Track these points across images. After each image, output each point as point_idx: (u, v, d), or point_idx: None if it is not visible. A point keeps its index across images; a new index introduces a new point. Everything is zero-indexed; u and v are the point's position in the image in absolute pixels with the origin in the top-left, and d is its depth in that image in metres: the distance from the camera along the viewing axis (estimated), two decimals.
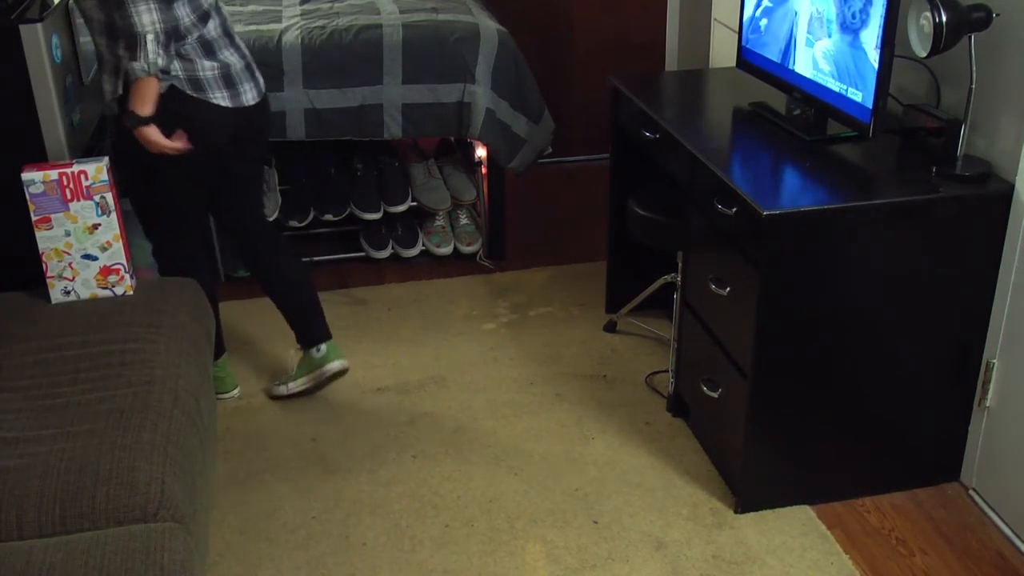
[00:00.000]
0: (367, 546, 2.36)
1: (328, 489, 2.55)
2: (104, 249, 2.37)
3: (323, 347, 2.86)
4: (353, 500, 2.51)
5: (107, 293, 2.41)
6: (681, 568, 2.29)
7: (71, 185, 2.30)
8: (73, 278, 2.38)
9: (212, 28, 2.48)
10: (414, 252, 3.76)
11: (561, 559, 2.32)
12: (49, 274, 2.36)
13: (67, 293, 2.38)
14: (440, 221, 3.83)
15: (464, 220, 3.87)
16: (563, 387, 2.97)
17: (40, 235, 2.32)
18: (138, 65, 2.27)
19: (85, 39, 2.78)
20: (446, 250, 3.76)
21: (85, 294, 2.40)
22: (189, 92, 2.44)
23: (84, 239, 2.35)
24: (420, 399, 2.92)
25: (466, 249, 3.77)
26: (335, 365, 2.86)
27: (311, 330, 2.88)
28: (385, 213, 3.70)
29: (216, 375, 2.85)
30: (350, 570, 2.29)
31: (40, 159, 2.41)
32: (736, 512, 2.46)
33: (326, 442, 2.74)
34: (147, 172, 2.52)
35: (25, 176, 2.27)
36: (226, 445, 2.73)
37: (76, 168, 2.30)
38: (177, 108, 2.42)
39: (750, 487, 2.44)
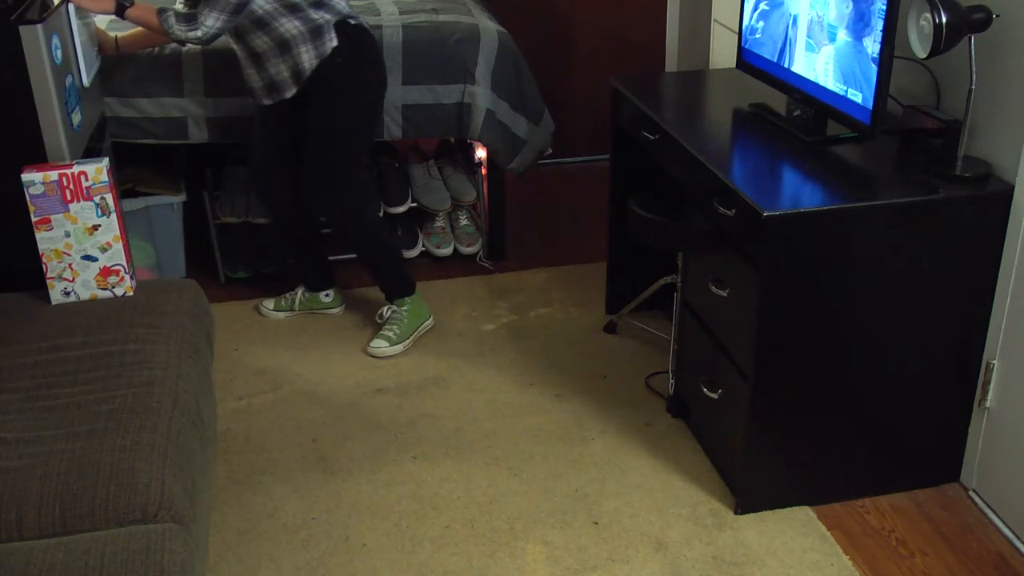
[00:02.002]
0: (367, 547, 2.36)
1: (328, 490, 2.55)
2: (104, 250, 2.37)
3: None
4: (353, 501, 2.51)
5: (107, 294, 2.41)
6: (681, 569, 2.29)
7: (71, 186, 2.30)
8: (73, 279, 2.38)
9: None
10: (414, 253, 3.76)
11: (561, 560, 2.32)
12: (49, 275, 2.36)
13: (67, 294, 2.38)
14: (440, 222, 3.83)
15: (464, 221, 3.87)
16: (563, 388, 2.97)
17: (40, 236, 2.32)
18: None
19: (86, 39, 2.79)
20: (446, 251, 3.76)
21: (85, 295, 2.40)
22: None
23: (84, 240, 2.35)
24: (420, 400, 2.92)
25: (466, 250, 3.77)
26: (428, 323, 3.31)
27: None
28: (385, 214, 3.70)
29: (409, 311, 3.22)
30: (350, 571, 2.29)
31: (40, 159, 2.41)
32: (736, 513, 2.46)
33: (326, 443, 2.74)
34: (364, 112, 3.04)
35: (25, 177, 2.27)
36: (226, 446, 2.73)
37: (76, 169, 2.30)
38: (375, 54, 3.05)
39: (750, 488, 2.44)
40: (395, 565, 2.31)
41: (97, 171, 2.31)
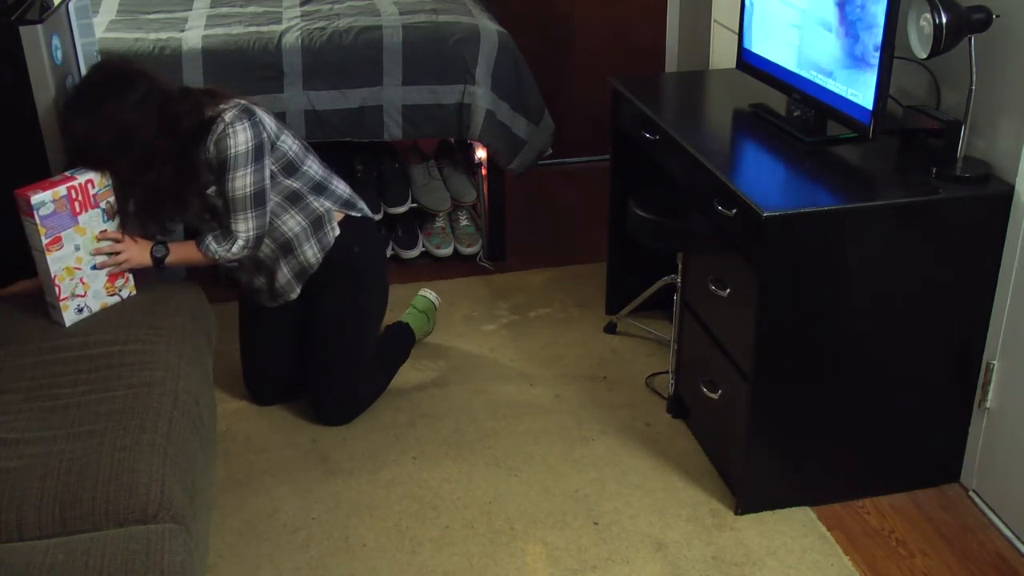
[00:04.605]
0: (367, 547, 2.37)
1: (328, 490, 2.55)
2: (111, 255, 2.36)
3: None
4: (353, 501, 2.51)
5: (115, 299, 2.40)
6: (681, 569, 2.29)
7: (80, 197, 2.25)
8: (85, 293, 2.32)
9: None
10: (414, 254, 3.76)
11: (561, 560, 2.32)
12: (62, 296, 2.28)
13: (80, 311, 2.32)
14: (440, 222, 3.83)
15: (464, 221, 3.87)
16: (563, 388, 2.97)
17: (51, 258, 2.23)
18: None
19: (86, 40, 2.78)
20: (446, 251, 3.76)
21: (96, 306, 2.35)
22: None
23: (92, 248, 2.33)
24: (420, 400, 2.92)
25: (466, 250, 3.77)
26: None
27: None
28: (385, 214, 3.70)
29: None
30: (350, 571, 2.29)
31: (40, 159, 2.39)
32: (736, 513, 2.46)
33: (326, 443, 2.74)
34: (376, 309, 2.87)
35: (35, 199, 2.17)
36: (226, 446, 2.73)
37: (82, 178, 2.26)
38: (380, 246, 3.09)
39: (750, 488, 2.44)
40: (395, 565, 2.31)
41: (102, 176, 2.30)
